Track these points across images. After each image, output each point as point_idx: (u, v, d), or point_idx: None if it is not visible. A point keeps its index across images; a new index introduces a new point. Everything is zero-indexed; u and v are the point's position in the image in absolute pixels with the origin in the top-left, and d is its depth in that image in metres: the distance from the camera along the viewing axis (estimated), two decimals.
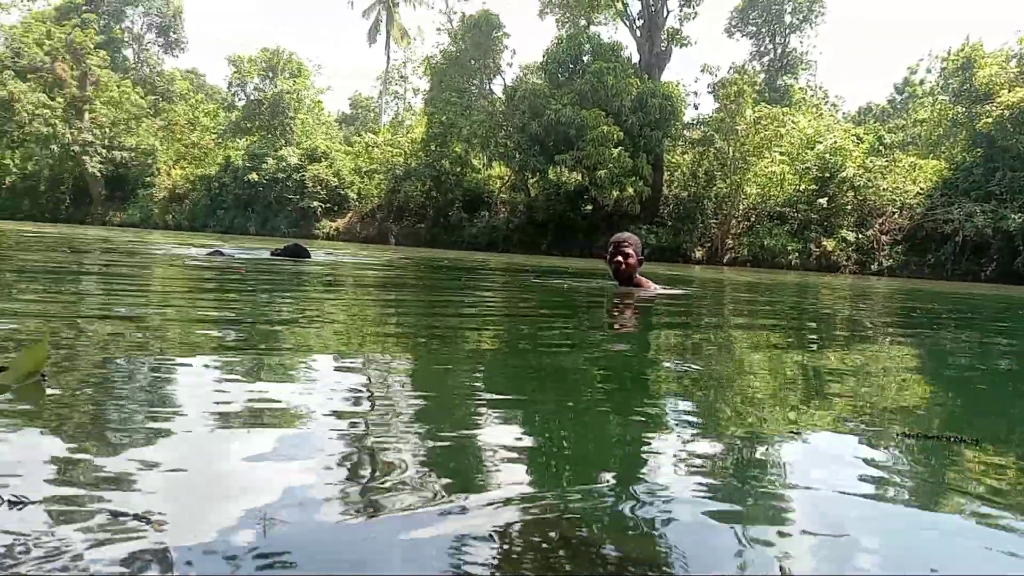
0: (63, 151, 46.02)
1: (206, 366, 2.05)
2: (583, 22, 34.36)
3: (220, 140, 47.06)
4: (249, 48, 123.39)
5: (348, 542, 0.95)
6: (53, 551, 0.87)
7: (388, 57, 55.14)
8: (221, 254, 9.17)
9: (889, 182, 27.69)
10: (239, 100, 47.35)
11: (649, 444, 1.50)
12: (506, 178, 34.97)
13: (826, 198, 27.40)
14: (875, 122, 38.73)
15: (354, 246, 25.61)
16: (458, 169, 35.24)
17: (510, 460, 1.33)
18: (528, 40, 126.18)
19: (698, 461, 1.40)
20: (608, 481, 1.26)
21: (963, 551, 1.05)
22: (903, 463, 1.46)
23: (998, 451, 1.57)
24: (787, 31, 43.96)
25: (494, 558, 0.93)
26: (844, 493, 1.26)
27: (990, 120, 25.36)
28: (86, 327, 2.72)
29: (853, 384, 2.41)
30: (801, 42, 44.36)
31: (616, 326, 4.05)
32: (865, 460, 1.44)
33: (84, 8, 51.13)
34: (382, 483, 1.16)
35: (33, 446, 1.25)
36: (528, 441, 1.48)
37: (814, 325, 5.00)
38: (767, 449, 1.52)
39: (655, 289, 6.48)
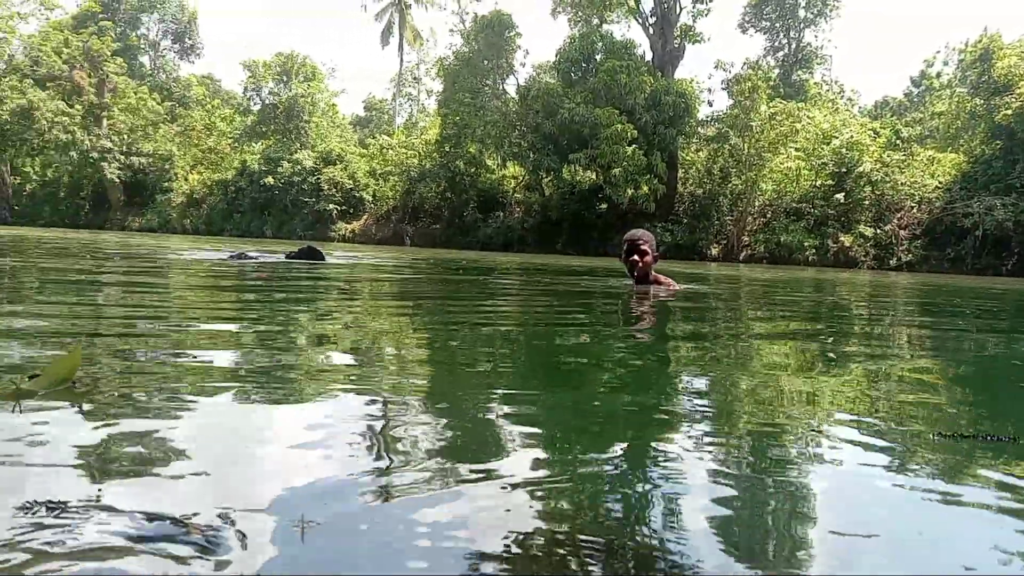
0: (82, 158, 46.56)
1: (236, 375, 2.08)
2: (595, 20, 34.29)
3: (236, 144, 47.41)
4: (254, 50, 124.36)
5: (386, 549, 0.97)
6: (91, 554, 0.88)
7: (401, 59, 55.29)
8: (246, 256, 9.32)
9: (907, 176, 27.43)
10: (254, 104, 47.69)
11: (668, 445, 1.50)
12: (520, 178, 34.98)
13: (843, 193, 27.17)
14: (892, 116, 38.40)
15: (369, 248, 25.73)
16: (472, 170, 35.30)
17: (527, 457, 1.35)
18: (541, 40, 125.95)
19: (716, 461, 1.40)
20: (623, 476, 1.28)
21: (997, 549, 1.05)
22: (937, 462, 1.46)
23: None
24: (801, 25, 43.64)
25: (506, 551, 0.94)
26: (875, 493, 1.27)
27: (1009, 112, 25.05)
28: (119, 334, 2.77)
29: (883, 384, 2.41)
30: (816, 36, 44.05)
31: (633, 326, 4.04)
32: (898, 459, 1.45)
33: (101, 16, 51.68)
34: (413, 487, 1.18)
35: (65, 451, 1.27)
36: (544, 436, 1.50)
37: (835, 322, 4.97)
38: (787, 448, 1.52)
39: (674, 287, 6.37)
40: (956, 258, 24.54)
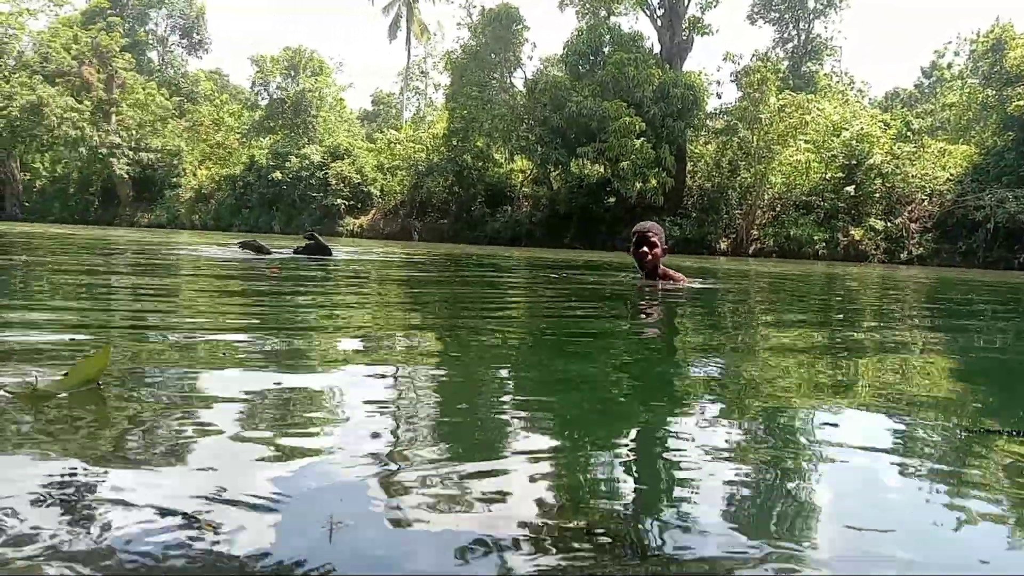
0: (91, 154, 46.74)
1: (255, 371, 2.08)
2: (603, 13, 34.11)
3: (244, 139, 47.51)
4: (261, 47, 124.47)
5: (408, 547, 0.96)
6: (104, 550, 0.88)
7: (408, 53, 55.27)
8: (256, 245, 9.32)
9: (918, 168, 27.23)
10: (262, 99, 47.77)
11: (681, 438, 1.49)
12: (528, 172, 34.92)
13: (853, 186, 27.00)
14: (902, 107, 38.11)
15: (377, 242, 25.76)
16: (480, 164, 35.25)
17: (542, 447, 1.34)
18: (548, 33, 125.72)
19: (729, 450, 1.39)
20: (636, 466, 1.27)
21: (1014, 547, 1.03)
22: (961, 458, 1.44)
23: None
24: (811, 16, 43.34)
25: (521, 550, 0.94)
26: (893, 487, 1.25)
27: (1022, 103, 24.82)
28: (135, 332, 2.77)
29: (901, 380, 2.38)
30: (825, 27, 43.86)
31: (642, 322, 4.00)
32: (923, 454, 1.42)
33: (109, 12, 51.83)
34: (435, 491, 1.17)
35: (84, 449, 1.27)
36: (559, 429, 1.49)
37: (848, 318, 4.93)
38: (804, 441, 1.50)
39: (684, 282, 6.27)
40: (968, 251, 24.35)
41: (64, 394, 1.59)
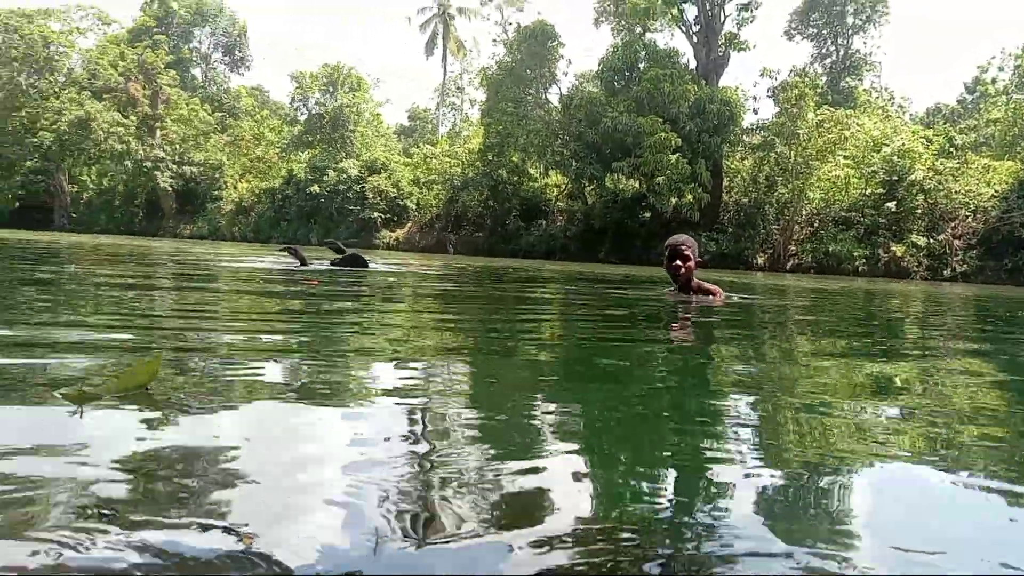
0: (136, 167, 48.00)
1: (298, 384, 2.14)
2: (638, 29, 34.19)
3: (283, 154, 48.37)
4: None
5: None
6: (143, 563, 0.87)
7: (445, 69, 55.92)
8: (301, 256, 9.45)
9: (961, 184, 26.70)
10: (301, 115, 48.62)
11: (713, 465, 1.49)
12: (563, 186, 34.99)
13: (894, 202, 26.55)
14: (945, 123, 37.44)
15: (413, 255, 25.98)
16: (515, 178, 35.44)
17: (575, 459, 1.36)
18: (583, 49, 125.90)
19: (764, 463, 1.39)
20: (670, 480, 1.28)
21: None
22: (998, 469, 1.43)
23: None
24: (849, 32, 42.91)
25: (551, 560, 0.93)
26: (935, 501, 1.25)
27: None
28: (180, 340, 2.86)
29: (946, 398, 2.35)
30: (864, 43, 43.25)
31: (676, 337, 3.89)
32: (959, 465, 1.42)
33: (155, 30, 53.36)
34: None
35: (123, 455, 1.26)
36: (589, 440, 1.51)
37: (891, 336, 4.86)
38: (838, 468, 1.47)
39: (720, 296, 6.13)
40: (1013, 269, 23.76)
41: (111, 397, 1.59)
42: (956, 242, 25.59)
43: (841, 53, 43.19)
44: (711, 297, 6.08)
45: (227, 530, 0.96)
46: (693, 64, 32.75)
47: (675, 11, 33.04)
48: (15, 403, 1.57)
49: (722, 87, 31.83)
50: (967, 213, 26.13)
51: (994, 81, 40.44)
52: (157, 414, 1.55)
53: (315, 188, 40.92)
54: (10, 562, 0.86)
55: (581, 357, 2.92)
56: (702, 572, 0.92)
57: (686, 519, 1.08)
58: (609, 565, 0.92)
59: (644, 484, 1.24)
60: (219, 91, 57.60)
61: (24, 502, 1.03)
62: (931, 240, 25.74)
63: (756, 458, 1.41)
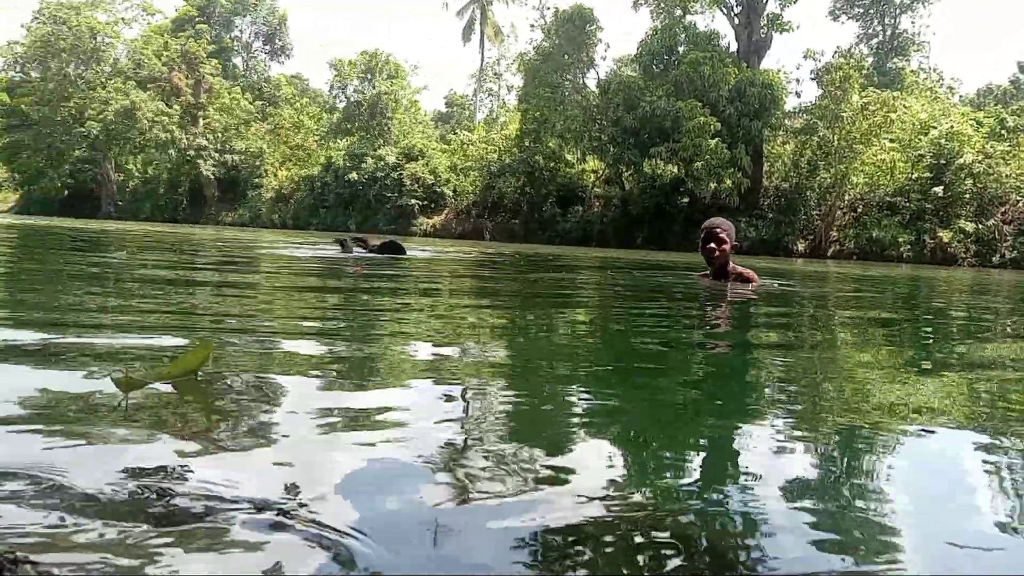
0: (180, 156, 48.97)
1: (349, 370, 2.19)
2: (678, 12, 33.66)
3: (322, 141, 48.86)
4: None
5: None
6: (200, 542, 0.89)
7: (482, 55, 55.81)
8: (354, 242, 9.65)
9: (1012, 168, 25.85)
10: (339, 102, 49.00)
11: (753, 447, 1.49)
12: (600, 172, 34.76)
13: (942, 187, 25.82)
14: (996, 104, 36.23)
15: (450, 242, 26.12)
16: (552, 164, 35.29)
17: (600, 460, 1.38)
18: (622, 32, 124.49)
19: (802, 460, 1.39)
20: (706, 475, 1.29)
21: None
22: None
23: None
24: (897, 11, 41.72)
25: (582, 552, 0.94)
26: (971, 500, 1.24)
27: None
28: (230, 323, 2.94)
29: (990, 392, 2.32)
30: (912, 22, 42.00)
31: (710, 324, 3.82)
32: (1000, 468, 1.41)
33: (197, 20, 54.19)
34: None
35: (179, 440, 1.29)
36: (624, 433, 1.53)
37: (936, 323, 4.77)
38: (882, 450, 1.47)
39: (756, 282, 5.98)
40: None
41: (159, 384, 1.62)
42: (1006, 228, 24.82)
43: (888, 33, 42.04)
44: (747, 284, 5.94)
45: (283, 513, 0.98)
46: (734, 46, 32.17)
47: None
48: (80, 380, 1.64)
49: (764, 70, 31.20)
50: (1018, 198, 25.31)
51: None
52: (204, 402, 1.59)
53: (353, 175, 41.26)
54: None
55: (615, 343, 2.94)
56: (741, 560, 0.93)
57: (730, 522, 1.07)
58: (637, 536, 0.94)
59: (679, 475, 1.27)
60: (260, 79, 58.34)
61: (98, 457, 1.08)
62: (980, 225, 25.00)
63: (796, 460, 1.42)
